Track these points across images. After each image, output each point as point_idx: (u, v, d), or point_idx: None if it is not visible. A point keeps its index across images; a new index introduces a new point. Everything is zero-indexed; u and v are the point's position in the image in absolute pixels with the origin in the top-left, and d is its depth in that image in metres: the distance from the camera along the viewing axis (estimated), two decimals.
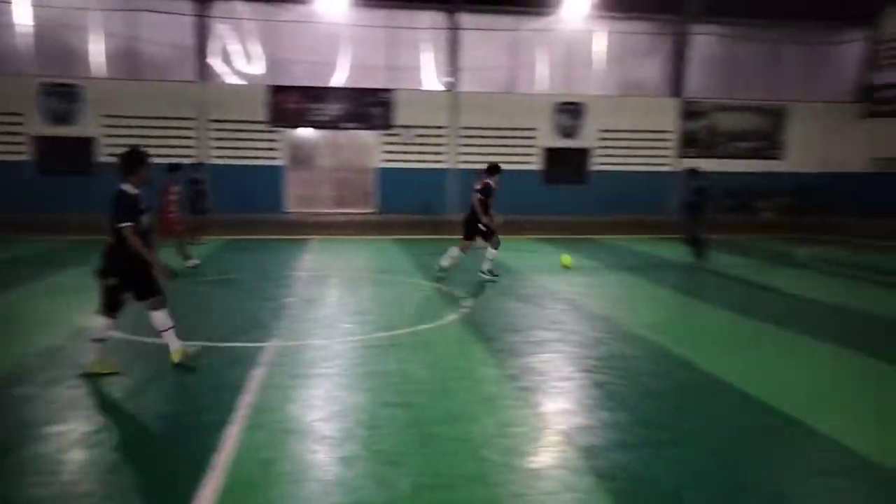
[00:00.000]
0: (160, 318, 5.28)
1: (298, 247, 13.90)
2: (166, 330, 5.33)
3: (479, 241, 9.88)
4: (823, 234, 17.77)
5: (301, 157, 18.83)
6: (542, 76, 19.55)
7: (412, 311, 7.89)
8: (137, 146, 5.45)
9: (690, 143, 20.11)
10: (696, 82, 20.22)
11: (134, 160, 5.21)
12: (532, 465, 3.76)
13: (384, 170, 18.61)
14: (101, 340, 5.15)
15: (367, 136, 18.77)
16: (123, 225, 4.95)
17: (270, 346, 6.05)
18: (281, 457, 3.79)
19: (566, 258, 11.42)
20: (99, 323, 5.17)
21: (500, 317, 7.57)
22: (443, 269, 9.87)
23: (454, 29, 18.50)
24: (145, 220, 5.18)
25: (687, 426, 4.39)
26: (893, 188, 18.75)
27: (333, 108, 18.23)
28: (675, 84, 19.94)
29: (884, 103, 19.82)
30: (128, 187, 5.11)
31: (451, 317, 7.42)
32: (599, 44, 19.71)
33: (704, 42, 20.08)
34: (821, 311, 8.37)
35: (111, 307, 5.16)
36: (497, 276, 9.87)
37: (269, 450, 3.87)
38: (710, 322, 7.80)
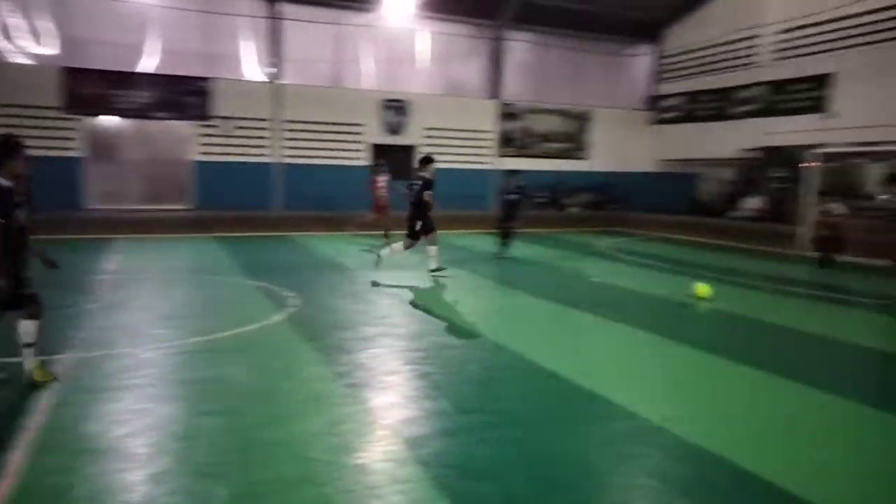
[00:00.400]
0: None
1: (103, 247, 12.57)
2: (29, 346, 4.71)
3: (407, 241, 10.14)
4: (621, 226, 19.89)
5: (105, 148, 17.02)
6: (369, 72, 19.58)
7: (233, 312, 7.51)
8: (10, 133, 4.71)
9: (508, 143, 21.37)
10: (513, 86, 21.50)
11: (4, 149, 4.50)
12: (359, 461, 3.76)
13: (202, 163, 17.44)
14: None
15: (182, 127, 17.46)
16: None
17: (65, 359, 5.40)
18: (77, 480, 3.40)
19: (702, 289, 8.94)
20: None
21: (328, 314, 7.48)
22: (379, 259, 10.13)
23: (275, 18, 17.85)
24: (21, 215, 4.52)
25: (505, 408, 4.66)
26: (675, 186, 21.51)
27: (143, 96, 16.68)
28: (494, 86, 21.04)
29: (666, 111, 22.64)
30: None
31: (277, 317, 7.17)
32: (424, 43, 20.19)
33: (519, 48, 21.42)
34: (618, 294, 9.35)
35: None
36: (445, 268, 10.26)
37: (62, 474, 3.46)
38: (526, 309, 8.35)
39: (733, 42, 19.86)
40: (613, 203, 21.90)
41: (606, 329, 7.28)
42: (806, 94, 17.67)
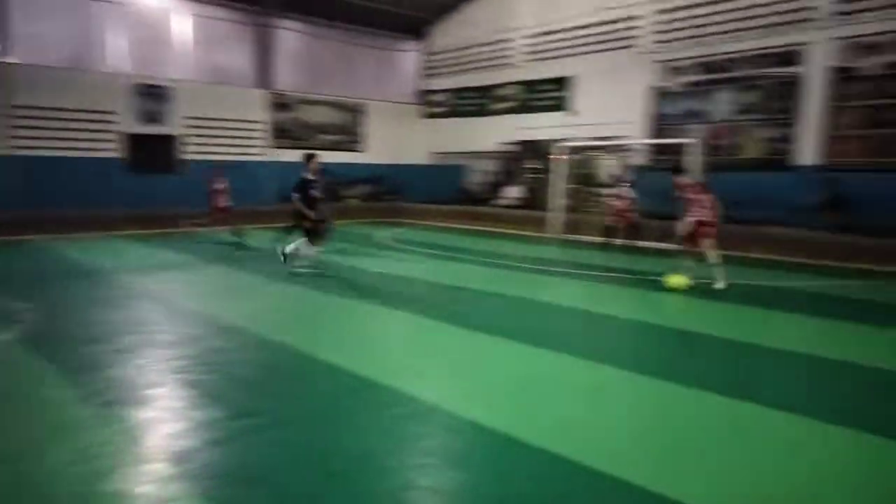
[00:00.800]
0: None
1: None
2: None
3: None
4: (399, 217, 20.50)
5: None
6: (119, 54, 17.54)
7: None
8: None
9: (281, 134, 20.74)
10: (284, 75, 20.89)
11: None
12: (117, 488, 3.36)
13: None
14: None
15: None
16: None
17: None
18: None
19: (674, 280, 9.19)
20: None
21: (75, 327, 6.57)
22: (292, 260, 9.97)
23: None
24: None
25: (281, 407, 4.53)
26: (446, 177, 22.76)
27: None
28: (264, 75, 20.23)
29: (435, 106, 23.80)
30: None
31: (2, 336, 6.12)
32: (184, 26, 18.64)
33: (289, 37, 20.86)
34: (398, 283, 9.61)
35: None
36: (320, 269, 9.98)
37: None
38: (304, 303, 8.20)
39: (491, 43, 21.52)
40: (390, 194, 22.47)
41: (384, 317, 7.45)
42: (552, 94, 19.82)
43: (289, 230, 12.60)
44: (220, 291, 8.81)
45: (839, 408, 4.71)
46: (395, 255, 12.90)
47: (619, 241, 13.62)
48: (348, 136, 22.50)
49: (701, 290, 9.04)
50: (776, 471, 3.65)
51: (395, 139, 23.19)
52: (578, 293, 9.30)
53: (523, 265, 11.44)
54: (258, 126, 20.10)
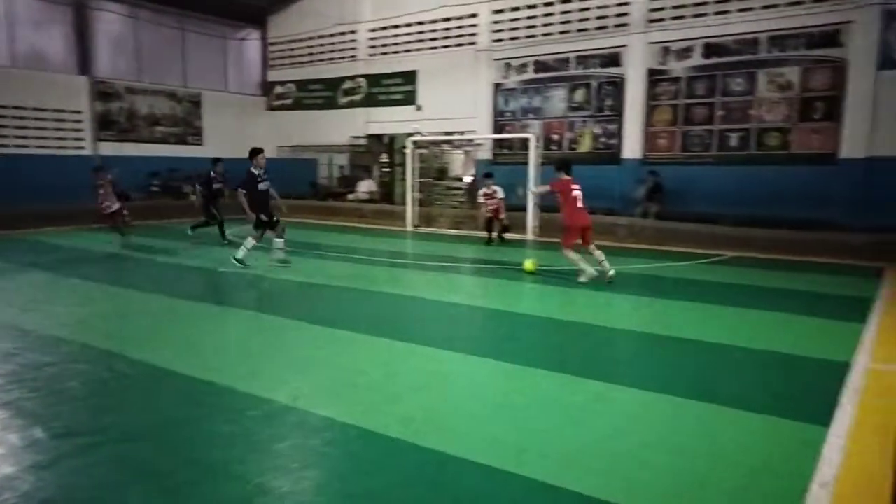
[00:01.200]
0: None
1: None
2: None
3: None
4: (244, 214, 19.54)
5: None
6: None
7: None
8: None
9: (107, 126, 19.00)
10: (109, 62, 19.13)
11: None
12: None
13: None
14: None
15: None
16: None
17: None
18: None
19: (528, 263, 9.82)
20: None
21: None
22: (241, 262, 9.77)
23: None
24: None
25: (120, 424, 4.16)
26: (297, 171, 22.12)
27: None
28: (83, 61, 18.36)
29: (279, 98, 23.04)
30: None
31: None
32: None
33: (113, 20, 19.10)
34: (243, 281, 9.22)
35: None
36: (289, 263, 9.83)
37: None
38: (141, 308, 7.59)
39: (335, 35, 21.21)
40: (235, 189, 21.43)
41: (232, 319, 7.12)
42: (400, 89, 19.99)
43: (204, 225, 13.02)
44: (38, 301, 7.89)
45: (652, 376, 5.26)
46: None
47: (495, 235, 13.78)
48: (186, 129, 21.12)
49: (567, 279, 9.64)
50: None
51: (239, 132, 22.12)
52: (436, 284, 9.50)
53: (379, 259, 11.46)
54: (79, 117, 18.24)
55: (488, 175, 14.28)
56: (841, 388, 4.74)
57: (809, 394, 4.74)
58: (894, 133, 12.67)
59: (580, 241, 9.29)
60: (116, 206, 12.87)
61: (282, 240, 10.35)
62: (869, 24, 12.71)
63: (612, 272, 9.16)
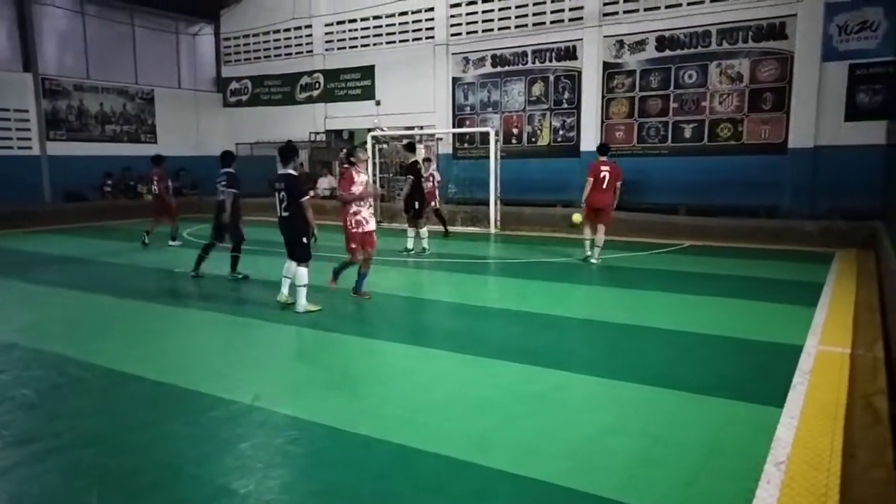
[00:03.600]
0: None
1: None
2: None
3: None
4: (201, 212, 19.18)
5: None
6: None
7: None
8: None
9: (56, 125, 18.39)
10: (55, 59, 18.49)
11: None
12: None
13: None
14: None
15: None
16: None
17: None
18: None
19: (576, 216, 10.68)
20: None
21: None
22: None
23: None
24: None
25: (75, 429, 4.04)
26: (255, 168, 21.73)
27: None
28: (28, 59, 17.70)
29: (235, 94, 22.61)
30: None
31: None
32: None
33: (59, 14, 18.46)
34: (199, 281, 9.04)
35: None
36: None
37: None
38: (99, 311, 7.39)
39: (291, 30, 20.91)
40: (193, 188, 20.98)
41: (188, 319, 6.99)
42: (356, 83, 19.83)
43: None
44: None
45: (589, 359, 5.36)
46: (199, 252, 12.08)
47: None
48: (139, 126, 20.58)
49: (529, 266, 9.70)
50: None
51: (194, 129, 21.70)
52: (398, 280, 9.48)
53: (341, 256, 11.35)
54: (24, 115, 17.60)
55: (427, 160, 14.23)
56: (794, 371, 4.90)
57: (764, 377, 4.89)
58: (838, 122, 13.13)
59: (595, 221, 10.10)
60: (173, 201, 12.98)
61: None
62: (812, 17, 13.12)
63: (594, 260, 10.06)
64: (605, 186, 9.85)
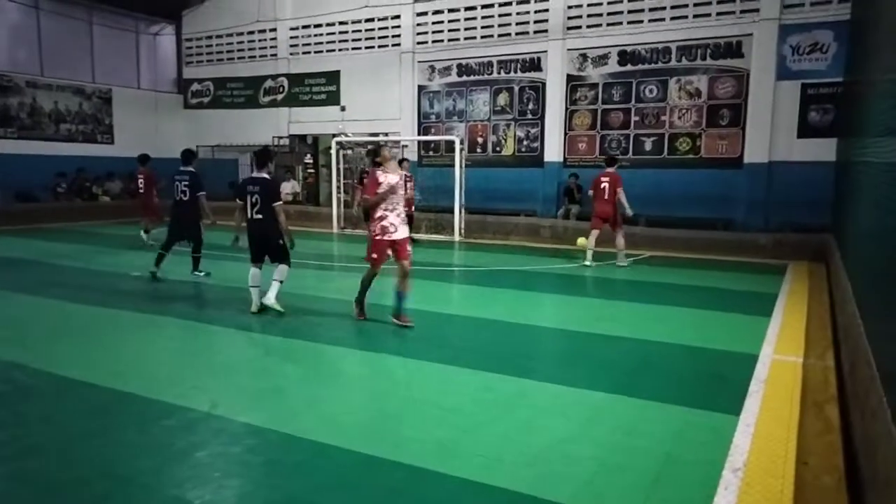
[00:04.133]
0: None
1: None
2: None
3: None
4: (161, 216, 18.74)
5: None
6: None
7: None
8: None
9: (6, 122, 17.76)
10: (6, 54, 17.88)
11: None
12: None
13: None
14: None
15: None
16: None
17: None
18: None
19: (581, 240, 11.02)
20: None
21: None
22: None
23: None
24: None
25: (21, 439, 3.86)
26: (217, 172, 21.35)
27: None
28: None
29: (197, 96, 22.20)
30: None
31: None
32: None
33: (10, 8, 17.87)
34: (157, 286, 8.81)
35: None
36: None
37: None
38: (49, 315, 7.11)
39: (255, 32, 20.64)
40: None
41: (144, 325, 6.77)
42: (321, 88, 19.68)
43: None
44: None
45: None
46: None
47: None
48: (95, 126, 20.01)
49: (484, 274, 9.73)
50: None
51: (153, 130, 21.20)
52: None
53: (304, 261, 11.21)
54: None
55: (405, 160, 14.01)
56: (750, 379, 5.01)
57: (722, 385, 4.99)
58: (791, 139, 13.59)
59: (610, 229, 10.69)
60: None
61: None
62: (767, 37, 13.56)
63: (622, 264, 10.80)
64: (606, 197, 10.52)
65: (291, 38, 20.11)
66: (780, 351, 5.85)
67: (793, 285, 9.30)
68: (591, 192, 10.83)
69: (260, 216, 7.00)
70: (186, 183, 9.13)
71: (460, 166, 14.79)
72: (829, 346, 5.83)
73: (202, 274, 9.15)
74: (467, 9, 17.08)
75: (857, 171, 7.38)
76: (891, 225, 3.82)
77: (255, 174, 7.19)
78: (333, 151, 16.38)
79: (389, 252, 6.61)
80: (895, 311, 3.24)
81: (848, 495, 3.15)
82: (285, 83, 20.29)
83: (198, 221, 9.25)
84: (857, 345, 4.38)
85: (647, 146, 15.17)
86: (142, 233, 12.89)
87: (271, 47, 20.52)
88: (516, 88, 16.69)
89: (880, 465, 2.75)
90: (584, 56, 15.67)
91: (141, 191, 12.95)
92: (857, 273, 5.81)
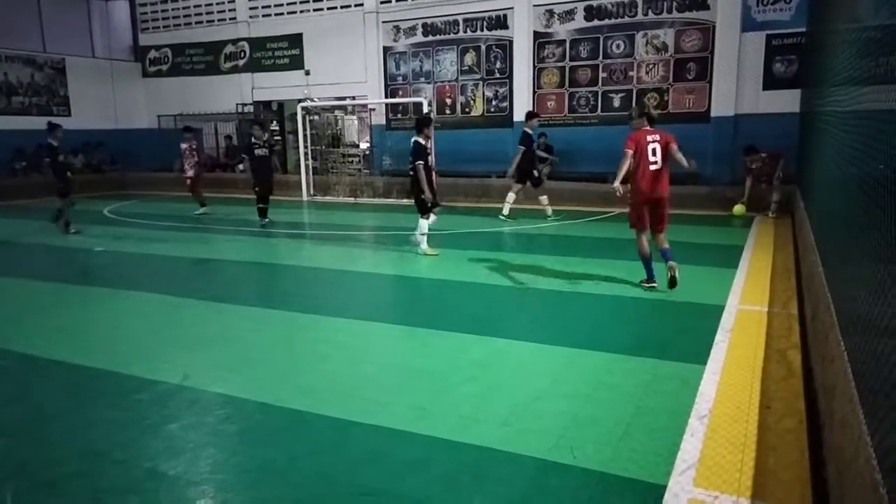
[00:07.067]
0: None
1: None
2: None
3: None
4: (123, 189, 18.36)
5: None
6: None
7: None
8: None
9: None
10: None
11: None
12: None
13: None
14: None
15: None
16: None
17: None
18: None
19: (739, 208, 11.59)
20: None
21: None
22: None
23: None
24: None
25: None
26: (176, 142, 20.83)
27: None
28: None
29: (155, 64, 21.48)
30: None
31: None
32: None
33: None
34: (126, 261, 8.65)
35: None
36: None
37: None
38: (7, 293, 6.95)
39: None
40: (111, 164, 19.97)
41: (113, 300, 6.67)
42: (284, 52, 19.15)
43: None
44: None
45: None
46: (120, 230, 11.55)
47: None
48: (49, 98, 19.30)
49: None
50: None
51: (111, 101, 20.54)
52: (336, 254, 9.33)
53: (277, 231, 11.09)
54: None
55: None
56: (716, 329, 5.13)
57: (689, 336, 5.10)
58: (757, 91, 13.67)
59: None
60: (191, 173, 13.11)
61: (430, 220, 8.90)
62: None
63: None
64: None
65: (251, 0, 19.46)
66: (746, 301, 5.98)
67: (759, 237, 9.48)
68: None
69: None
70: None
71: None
72: (793, 296, 5.99)
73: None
74: None
75: (819, 122, 7.47)
76: (849, 174, 3.89)
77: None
78: (300, 117, 16.06)
79: None
80: (851, 258, 3.32)
81: (808, 436, 3.27)
82: (246, 48, 19.70)
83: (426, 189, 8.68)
84: (818, 293, 4.50)
85: (616, 102, 15.15)
86: (200, 208, 13.34)
87: (230, 10, 19.84)
88: (483, 47, 16.46)
89: (837, 407, 2.85)
90: (551, 12, 15.47)
91: (193, 165, 13.31)
92: (818, 223, 5.94)
